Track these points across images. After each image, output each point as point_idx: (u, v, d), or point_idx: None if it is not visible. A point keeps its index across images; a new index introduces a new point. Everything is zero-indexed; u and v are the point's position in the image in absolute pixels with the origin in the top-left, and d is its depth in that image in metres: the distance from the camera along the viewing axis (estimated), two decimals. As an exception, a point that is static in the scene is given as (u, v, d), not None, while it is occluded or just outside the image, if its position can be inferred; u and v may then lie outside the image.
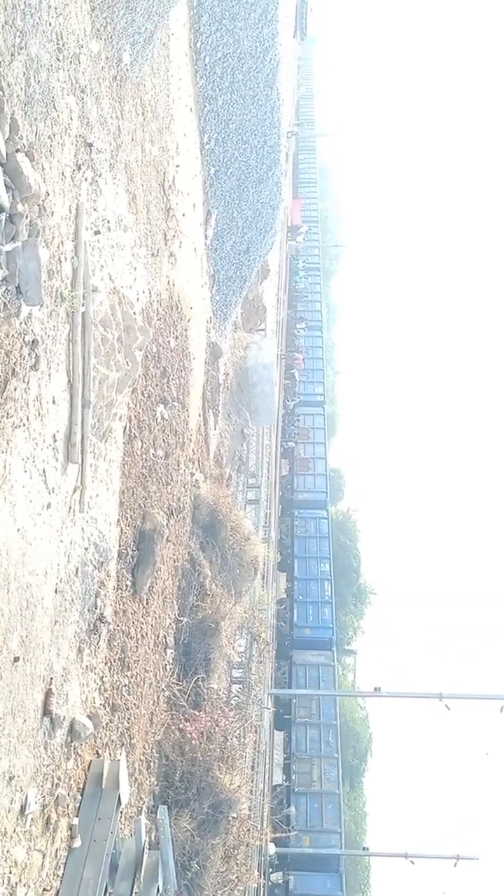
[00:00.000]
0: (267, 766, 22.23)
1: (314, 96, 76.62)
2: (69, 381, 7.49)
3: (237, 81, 16.71)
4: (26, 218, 6.20)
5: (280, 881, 23.76)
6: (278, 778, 27.10)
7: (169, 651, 12.38)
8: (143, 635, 10.79)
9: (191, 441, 14.71)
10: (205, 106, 14.96)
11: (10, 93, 6.08)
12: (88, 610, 8.40)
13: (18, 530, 6.37)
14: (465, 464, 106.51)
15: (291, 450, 39.23)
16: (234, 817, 12.26)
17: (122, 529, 9.81)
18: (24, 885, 6.53)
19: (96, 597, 8.64)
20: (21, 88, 6.27)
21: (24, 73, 6.31)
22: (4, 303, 5.96)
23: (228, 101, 16.28)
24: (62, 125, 7.23)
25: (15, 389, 6.24)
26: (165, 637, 12.16)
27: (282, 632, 30.17)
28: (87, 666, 8.41)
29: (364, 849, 33.59)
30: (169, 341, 12.75)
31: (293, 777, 26.75)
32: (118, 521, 9.66)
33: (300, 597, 32.93)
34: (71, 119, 7.48)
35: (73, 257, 7.48)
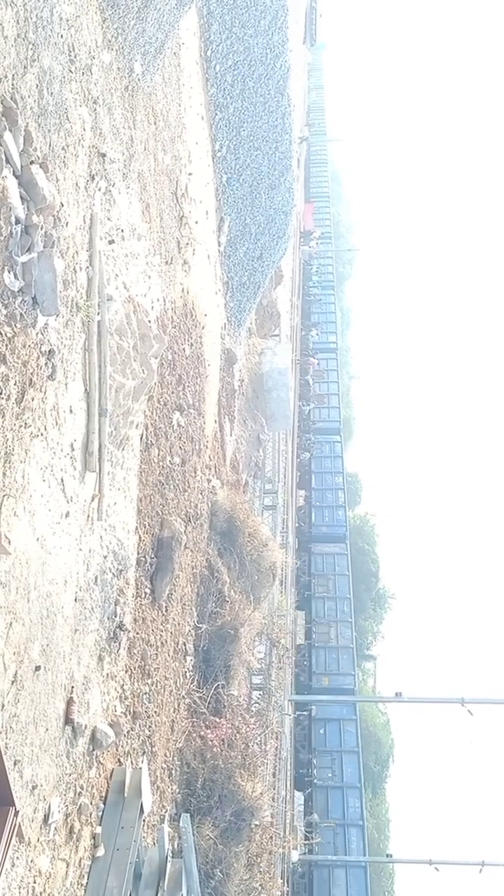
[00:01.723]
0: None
1: (325, 102, 76.77)
2: (86, 390, 7.53)
3: (248, 89, 16.77)
4: (41, 229, 6.24)
5: None
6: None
7: (189, 658, 12.37)
8: (162, 643, 10.79)
9: (207, 447, 14.73)
10: (216, 114, 15.02)
11: (24, 105, 6.13)
12: (108, 618, 8.41)
13: (38, 539, 6.39)
14: (484, 465, 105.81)
15: (308, 478, 37.15)
16: (256, 825, 12.21)
17: (140, 537, 9.82)
18: (49, 895, 6.53)
19: (116, 605, 8.65)
20: (34, 100, 6.32)
21: (38, 86, 6.36)
22: (21, 313, 5.99)
23: (240, 109, 16.34)
24: (75, 136, 7.28)
25: (32, 399, 6.27)
26: (185, 644, 12.16)
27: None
28: (107, 674, 8.41)
29: (388, 856, 33.30)
30: (184, 348, 12.78)
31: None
32: (136, 528, 9.68)
33: (318, 643, 31.29)
34: (84, 130, 7.53)
35: (87, 267, 7.52)
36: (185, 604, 12.20)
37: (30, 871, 6.22)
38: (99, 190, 7.99)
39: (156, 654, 10.40)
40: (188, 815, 10.13)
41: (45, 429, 6.59)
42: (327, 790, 26.45)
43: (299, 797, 25.98)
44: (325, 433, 41.38)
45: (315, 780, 26.50)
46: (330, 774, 26.89)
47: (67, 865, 6.97)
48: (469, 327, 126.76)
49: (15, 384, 5.94)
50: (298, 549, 32.45)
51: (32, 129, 6.22)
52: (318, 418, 41.08)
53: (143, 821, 8.37)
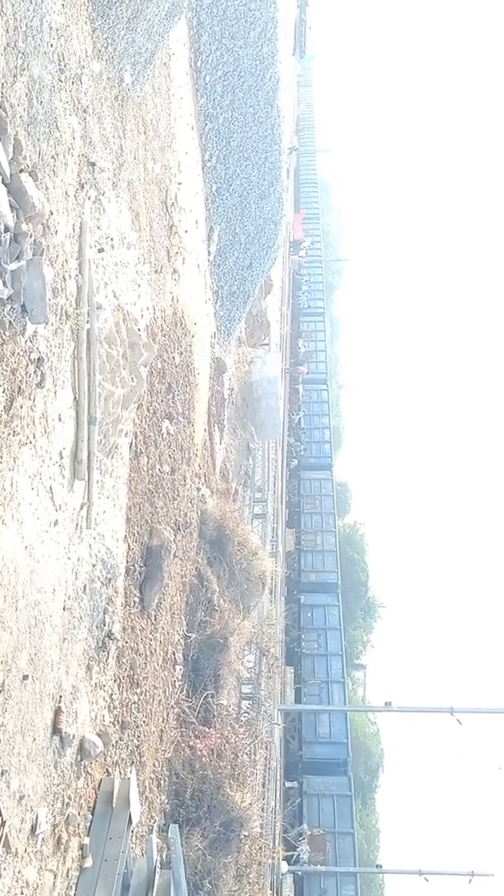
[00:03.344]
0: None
1: (314, 113, 77.34)
2: (75, 398, 7.52)
3: (238, 99, 16.87)
4: (31, 237, 6.25)
5: None
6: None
7: (178, 667, 12.32)
8: (151, 652, 10.74)
9: (197, 456, 14.72)
10: (206, 124, 15.09)
11: (14, 113, 6.15)
12: (97, 627, 8.38)
13: (26, 548, 6.37)
14: (473, 474, 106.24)
15: (298, 516, 36.37)
16: (245, 835, 12.15)
17: (129, 545, 9.80)
18: (36, 907, 6.47)
19: (104, 613, 8.62)
20: (24, 109, 6.34)
21: (27, 94, 6.38)
22: (10, 321, 5.99)
23: (229, 119, 16.43)
24: (65, 145, 7.30)
25: (21, 407, 6.26)
26: (174, 653, 12.11)
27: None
28: (96, 683, 8.37)
29: (377, 866, 33.23)
30: (174, 357, 12.79)
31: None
32: (125, 537, 9.65)
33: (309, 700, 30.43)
34: (74, 139, 7.56)
35: (77, 275, 7.53)
36: (174, 613, 12.17)
37: (17, 881, 6.16)
38: (88, 199, 8.01)
39: (145, 663, 10.35)
40: (177, 825, 10.07)
41: (34, 437, 6.58)
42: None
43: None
44: (317, 464, 40.45)
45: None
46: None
47: (55, 876, 6.90)
48: (458, 335, 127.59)
49: (3, 392, 5.93)
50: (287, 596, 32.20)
51: (22, 138, 6.24)
52: (308, 439, 40.87)
53: (132, 831, 8.31)
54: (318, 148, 74.09)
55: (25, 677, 6.31)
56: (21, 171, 6.12)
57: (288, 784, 25.96)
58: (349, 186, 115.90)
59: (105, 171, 8.62)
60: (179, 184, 13.01)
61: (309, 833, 23.88)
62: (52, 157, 6.99)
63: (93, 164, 8.11)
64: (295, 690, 29.51)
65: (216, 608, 13.87)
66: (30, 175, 6.24)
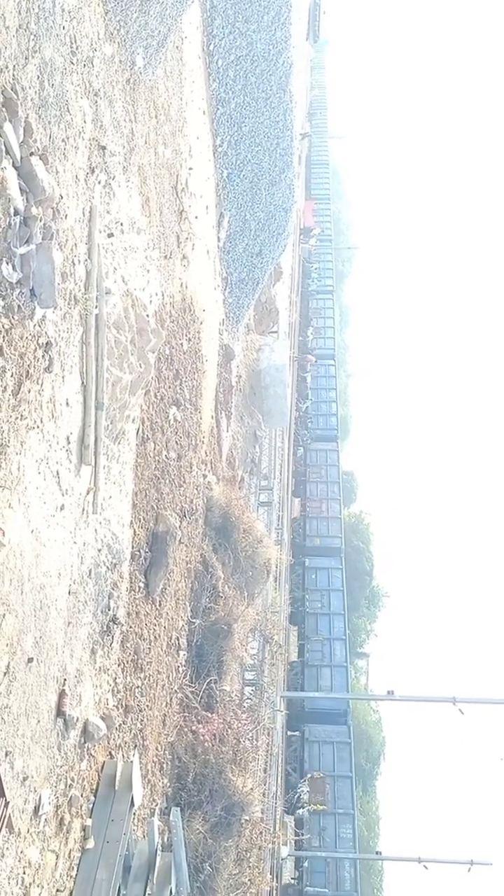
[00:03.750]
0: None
1: (327, 99, 76.72)
2: (83, 383, 7.52)
3: (250, 84, 16.74)
4: (40, 221, 6.23)
5: None
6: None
7: (181, 653, 12.38)
8: (155, 637, 10.80)
9: (203, 443, 14.73)
10: (218, 108, 14.99)
11: (25, 96, 6.12)
12: (101, 611, 8.42)
13: (32, 531, 6.39)
14: (480, 465, 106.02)
15: (304, 485, 37.33)
16: (246, 820, 12.24)
17: (134, 531, 9.83)
18: (38, 886, 6.54)
19: (109, 598, 8.66)
20: (35, 92, 6.31)
21: (38, 77, 6.34)
22: (18, 305, 5.99)
23: (241, 104, 16.31)
24: (76, 128, 7.27)
25: (29, 391, 6.27)
26: (178, 639, 12.17)
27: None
28: (100, 667, 8.42)
29: (377, 853, 33.44)
30: (181, 343, 12.77)
31: None
32: (131, 522, 9.68)
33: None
34: (84, 122, 7.52)
35: (86, 260, 7.51)
36: (178, 599, 12.21)
37: (19, 861, 6.24)
38: (99, 183, 7.98)
39: (149, 648, 10.41)
40: (178, 809, 10.16)
41: (42, 421, 6.59)
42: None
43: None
44: (324, 439, 41.11)
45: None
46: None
47: (57, 857, 6.98)
48: (467, 324, 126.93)
49: (12, 376, 5.94)
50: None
51: (33, 121, 6.21)
52: (315, 425, 41.08)
53: (134, 814, 8.39)
54: (331, 134, 73.53)
55: (30, 660, 6.35)
56: (31, 154, 6.10)
57: (290, 732, 27.01)
58: (361, 174, 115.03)
59: (115, 155, 8.58)
60: (190, 169, 12.93)
61: (309, 776, 24.96)
62: (63, 140, 6.96)
63: (103, 148, 8.07)
64: (298, 647, 30.58)
65: (221, 595, 13.92)
66: (40, 158, 6.22)
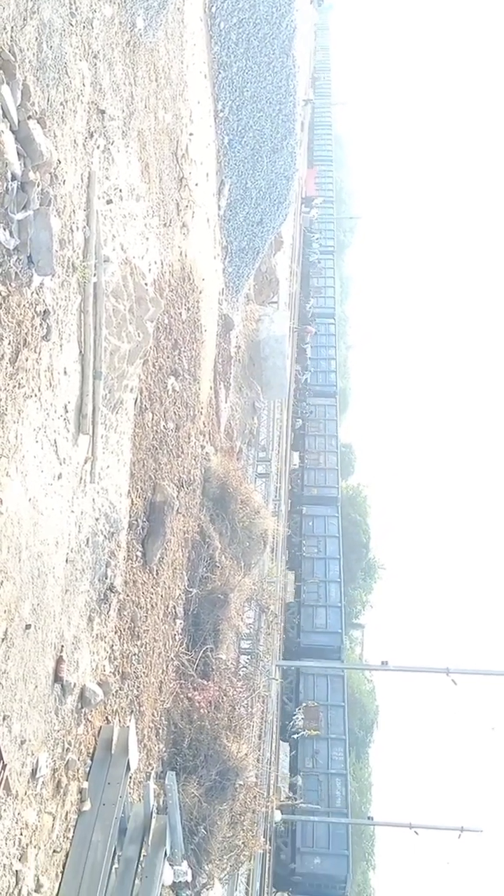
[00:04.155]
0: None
1: (330, 64, 75.35)
2: (81, 351, 7.49)
3: (252, 48, 16.42)
4: (38, 186, 6.15)
5: None
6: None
7: (178, 621, 12.50)
8: (152, 605, 10.89)
9: (202, 414, 14.71)
10: (219, 73, 14.72)
11: (23, 58, 6.01)
12: (99, 580, 8.48)
13: (30, 500, 6.41)
14: (477, 439, 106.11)
15: (303, 438, 38.94)
16: (240, 784, 12.46)
17: (132, 501, 9.86)
18: (35, 847, 6.68)
19: (107, 567, 8.72)
20: (33, 54, 6.19)
21: (37, 38, 6.22)
22: (16, 272, 5.93)
23: (243, 68, 16.02)
24: (74, 91, 7.15)
25: (27, 360, 6.24)
26: (175, 608, 12.27)
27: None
28: (97, 635, 8.51)
29: (369, 818, 34.14)
30: (180, 313, 12.69)
31: None
32: (129, 492, 9.71)
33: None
34: (83, 85, 7.39)
35: (84, 227, 7.43)
36: (175, 568, 12.30)
37: (16, 823, 6.36)
38: (97, 148, 7.86)
39: (145, 616, 10.51)
40: (174, 773, 10.32)
41: (39, 390, 6.57)
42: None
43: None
44: (321, 395, 42.18)
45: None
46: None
47: (54, 819, 7.11)
48: (469, 296, 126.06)
49: (9, 344, 5.91)
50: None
51: (31, 83, 6.10)
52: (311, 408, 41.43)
53: (130, 777, 8.53)
54: (334, 100, 72.32)
55: (28, 626, 6.41)
56: (29, 117, 6.00)
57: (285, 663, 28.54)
58: (364, 141, 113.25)
59: (115, 119, 8.45)
60: (191, 135, 12.74)
61: (304, 704, 26.68)
62: (61, 103, 6.85)
63: (102, 112, 7.94)
64: (295, 588, 31.98)
65: (217, 565, 14.01)
66: (38, 122, 6.12)
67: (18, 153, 5.83)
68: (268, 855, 21.30)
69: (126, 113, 8.95)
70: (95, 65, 7.74)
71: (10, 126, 5.77)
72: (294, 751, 23.77)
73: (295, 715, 26.32)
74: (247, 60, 16.17)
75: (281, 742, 24.69)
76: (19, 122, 5.86)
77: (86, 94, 7.46)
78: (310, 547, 32.93)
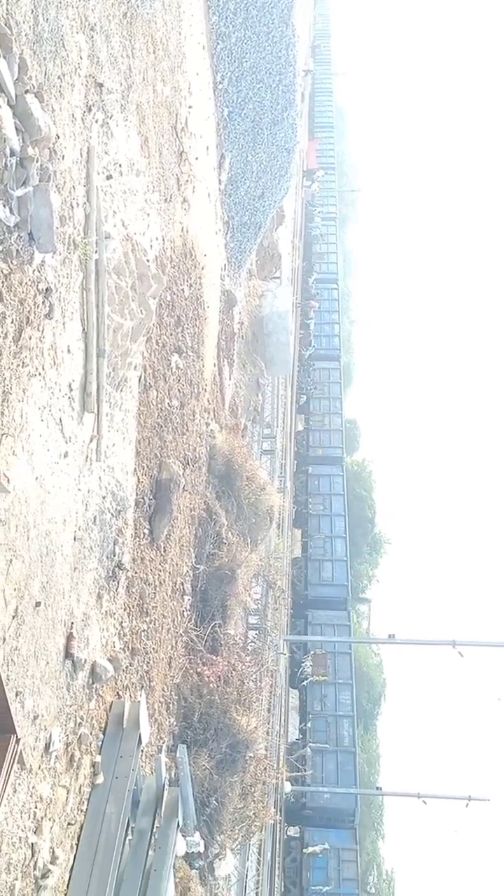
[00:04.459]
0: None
1: (330, 32, 74.04)
2: (84, 329, 7.46)
3: (251, 17, 16.14)
4: (37, 162, 6.09)
5: None
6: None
7: (186, 598, 12.58)
8: (160, 582, 10.96)
9: (206, 391, 14.68)
10: (218, 43, 14.49)
11: (19, 31, 5.91)
12: (107, 557, 8.53)
13: (37, 479, 6.43)
14: (481, 415, 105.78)
15: (308, 401, 39.83)
16: (250, 757, 12.62)
17: (138, 478, 9.88)
18: (50, 819, 6.79)
19: (114, 544, 8.76)
20: (29, 27, 6.09)
21: (33, 11, 6.12)
22: (17, 249, 5.89)
23: (242, 39, 15.76)
24: (72, 65, 7.05)
25: (30, 338, 6.22)
26: (183, 584, 12.35)
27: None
28: (106, 611, 8.57)
29: (377, 788, 34.57)
30: (183, 289, 12.62)
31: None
32: (135, 470, 9.72)
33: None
34: (81, 58, 7.28)
35: (85, 203, 7.36)
36: (182, 545, 12.35)
37: (31, 796, 6.45)
38: (96, 122, 7.77)
39: (154, 593, 10.57)
40: (185, 746, 10.47)
41: (43, 368, 6.56)
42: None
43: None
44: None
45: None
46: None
47: (68, 792, 7.22)
48: (473, 271, 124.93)
49: (12, 322, 5.88)
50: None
51: (27, 57, 6.01)
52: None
53: (142, 751, 8.64)
54: (335, 71, 71.18)
55: (38, 604, 6.46)
56: (27, 91, 5.92)
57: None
58: (366, 112, 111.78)
59: (113, 92, 8.34)
60: (190, 107, 12.58)
61: (312, 652, 27.87)
62: (59, 77, 6.75)
63: (100, 86, 7.83)
64: (302, 544, 33.35)
65: (224, 541, 14.07)
66: (35, 96, 6.04)
67: (16, 128, 5.76)
68: (278, 825, 21.63)
69: (124, 86, 8.83)
70: (92, 37, 7.62)
71: (8, 101, 5.69)
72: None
73: (303, 662, 27.46)
74: (245, 30, 15.90)
75: (290, 689, 26.12)
76: (17, 96, 5.79)
77: (83, 67, 7.36)
78: (315, 505, 34.01)
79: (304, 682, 27.31)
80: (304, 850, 24.06)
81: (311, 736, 26.19)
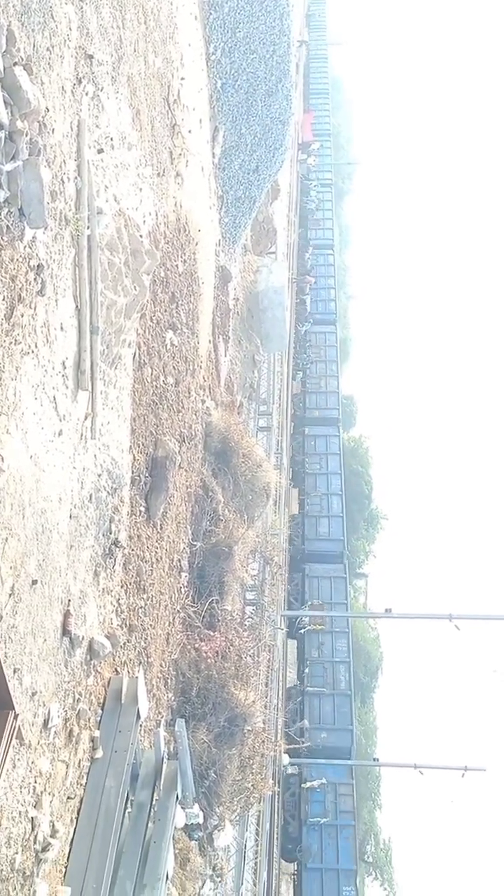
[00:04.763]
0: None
1: (326, 1, 72.74)
2: (76, 306, 7.40)
3: (244, -14, 15.86)
4: (26, 135, 6.00)
5: None
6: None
7: (183, 574, 12.64)
8: (157, 559, 11.00)
9: (201, 368, 14.63)
10: (210, 13, 14.24)
11: (6, 2, 5.80)
12: (103, 535, 8.55)
13: (31, 457, 6.42)
14: (479, 386, 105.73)
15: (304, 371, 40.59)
16: (248, 730, 12.76)
17: (134, 456, 9.87)
18: (49, 794, 6.87)
19: (111, 522, 8.77)
20: (16, -5, 5.97)
21: (19, -21, 5.99)
22: (7, 225, 5.83)
23: (235, 8, 15.49)
24: (61, 36, 6.92)
25: (22, 315, 6.17)
26: (180, 561, 12.40)
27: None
28: (103, 589, 8.61)
29: (374, 759, 35.04)
30: (177, 265, 12.52)
31: None
32: (130, 448, 9.71)
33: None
34: (70, 29, 7.15)
35: (76, 177, 7.27)
36: (179, 522, 12.38)
37: (30, 771, 6.53)
38: (86, 94, 7.65)
39: (151, 570, 10.62)
40: (183, 720, 10.57)
41: (36, 346, 6.52)
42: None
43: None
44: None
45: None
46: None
47: (67, 766, 7.30)
48: (470, 244, 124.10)
49: (4, 300, 5.84)
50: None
51: (15, 29, 5.90)
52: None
53: (140, 726, 8.73)
54: (330, 40, 70.00)
55: (34, 582, 6.48)
56: (15, 64, 5.82)
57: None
58: (362, 83, 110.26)
59: (103, 64, 8.20)
60: (182, 79, 12.39)
61: (310, 603, 29.23)
62: (48, 49, 6.63)
63: (90, 57, 7.70)
64: (299, 502, 34.62)
65: (221, 518, 14.10)
66: (24, 69, 5.94)
67: (5, 101, 5.68)
68: (276, 797, 21.94)
69: (115, 58, 8.68)
70: (82, 7, 7.48)
71: (-4, 73, 5.60)
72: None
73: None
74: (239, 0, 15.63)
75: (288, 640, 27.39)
76: (5, 69, 5.69)
77: (73, 38, 7.23)
78: (312, 464, 35.34)
79: (302, 631, 28.66)
80: (303, 785, 25.03)
81: (309, 681, 27.21)
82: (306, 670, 27.97)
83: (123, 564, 9.37)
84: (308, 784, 24.97)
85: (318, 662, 28.37)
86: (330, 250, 48.40)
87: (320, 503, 34.20)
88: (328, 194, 52.31)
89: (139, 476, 10.12)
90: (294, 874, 25.71)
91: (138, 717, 8.47)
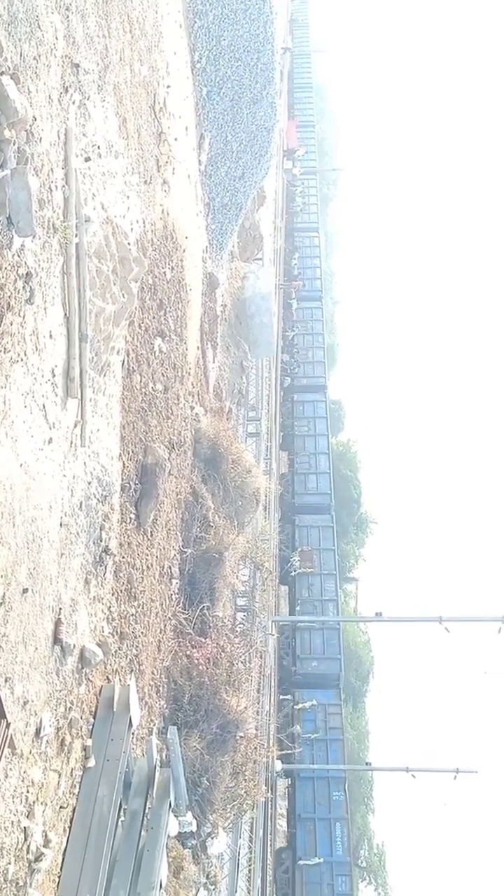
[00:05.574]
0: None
1: (308, 9, 73.14)
2: (65, 314, 7.40)
3: (228, -6, 15.95)
4: (14, 144, 6.01)
5: None
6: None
7: (174, 581, 12.62)
8: (148, 566, 10.98)
9: (190, 374, 14.64)
10: (195, 21, 14.31)
11: (-9, 10, 5.81)
12: (94, 542, 8.53)
13: (21, 465, 6.40)
14: (464, 391, 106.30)
15: (293, 337, 42.75)
16: (241, 736, 12.73)
17: (124, 463, 9.87)
18: (42, 803, 6.84)
19: (101, 530, 8.76)
20: (3, 7, 5.99)
21: (5, -11, 6.01)
22: (-4, 234, 5.83)
23: (219, 16, 15.57)
24: (47, 45, 6.94)
25: (11, 324, 6.17)
26: (170, 568, 12.38)
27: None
28: (94, 596, 8.59)
29: (367, 764, 35.05)
30: (165, 272, 12.54)
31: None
32: (120, 455, 9.71)
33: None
34: (56, 38, 7.17)
35: (63, 186, 7.28)
36: (169, 529, 12.37)
37: (23, 781, 6.49)
38: (73, 103, 7.67)
39: (142, 577, 10.60)
40: (175, 727, 10.54)
41: (25, 354, 6.51)
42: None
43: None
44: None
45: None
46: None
47: (59, 776, 7.27)
48: (455, 249, 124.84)
49: (-8, 308, 5.83)
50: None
51: (2, 38, 5.92)
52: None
53: (132, 734, 8.70)
54: (314, 48, 70.37)
55: (25, 590, 6.46)
56: (2, 73, 5.84)
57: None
58: (345, 90, 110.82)
59: (90, 73, 8.23)
60: (168, 87, 12.43)
61: (300, 549, 31.87)
62: (35, 58, 6.65)
63: (77, 66, 7.72)
64: (289, 461, 37.44)
65: (211, 524, 14.10)
66: (11, 78, 5.96)
67: (-8, 111, 5.68)
68: (269, 804, 21.89)
69: (101, 66, 8.71)
70: (68, 17, 7.50)
71: (-17, 82, 5.61)
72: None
73: (293, 557, 31.33)
74: (223, 7, 15.71)
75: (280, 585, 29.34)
76: (-9, 78, 5.70)
77: (59, 47, 7.25)
78: (301, 427, 38.71)
79: (294, 574, 31.15)
80: (295, 706, 27.08)
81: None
82: (297, 608, 30.85)
83: (114, 572, 9.35)
84: (300, 705, 27.23)
85: (309, 601, 31.17)
86: (315, 232, 50.70)
87: (308, 461, 37.31)
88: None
89: (129, 483, 10.12)
90: (288, 787, 27.18)
91: (130, 725, 8.45)
